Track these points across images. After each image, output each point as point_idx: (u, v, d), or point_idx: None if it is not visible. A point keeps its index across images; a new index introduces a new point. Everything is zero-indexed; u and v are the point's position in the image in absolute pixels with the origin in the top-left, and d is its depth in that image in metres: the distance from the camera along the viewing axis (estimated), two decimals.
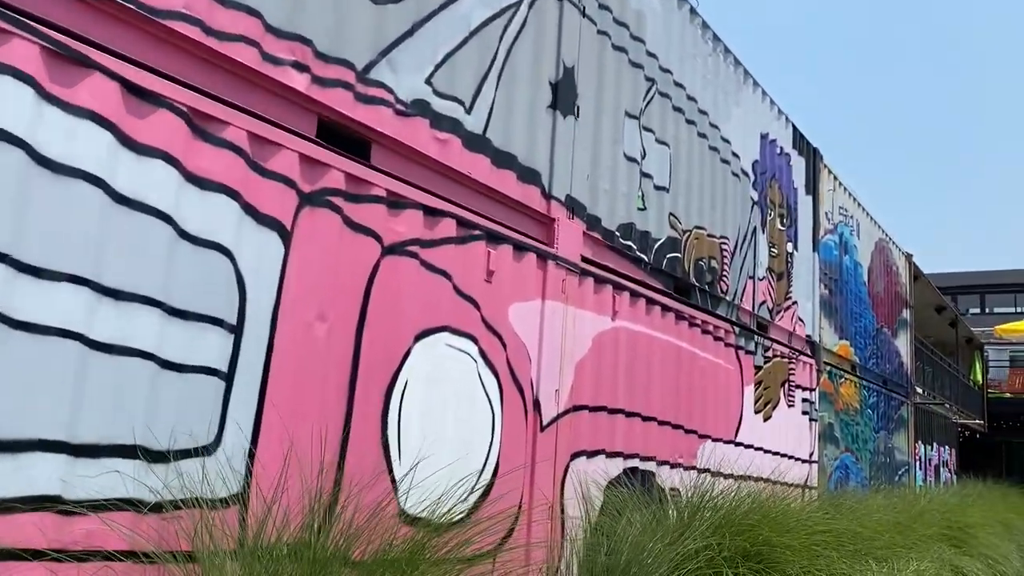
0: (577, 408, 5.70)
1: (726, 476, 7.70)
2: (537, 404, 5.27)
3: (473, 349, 4.70)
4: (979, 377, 27.94)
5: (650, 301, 6.72)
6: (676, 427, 7.03)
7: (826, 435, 10.73)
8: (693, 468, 7.25)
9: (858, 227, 12.81)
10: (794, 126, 10.13)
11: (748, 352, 8.52)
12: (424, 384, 4.32)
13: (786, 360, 9.52)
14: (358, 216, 3.98)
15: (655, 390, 6.71)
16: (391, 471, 4.09)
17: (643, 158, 6.74)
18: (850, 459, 11.66)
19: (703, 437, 7.48)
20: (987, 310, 50.43)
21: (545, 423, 5.33)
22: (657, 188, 6.96)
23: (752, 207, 8.82)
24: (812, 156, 10.81)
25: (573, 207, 5.74)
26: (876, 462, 13.00)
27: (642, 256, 6.66)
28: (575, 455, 5.66)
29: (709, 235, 7.85)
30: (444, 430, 4.44)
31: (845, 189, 12.20)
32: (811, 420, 10.20)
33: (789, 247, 9.80)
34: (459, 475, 4.40)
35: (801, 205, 10.34)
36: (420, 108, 4.40)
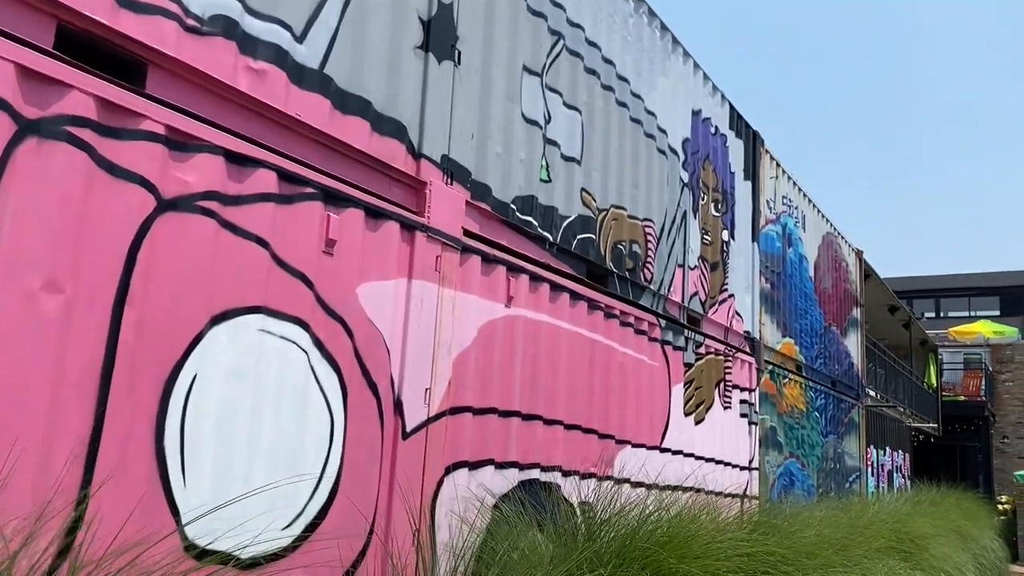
0: (457, 410, 4.78)
1: (649, 487, 6.85)
2: (399, 406, 4.34)
3: (302, 337, 3.75)
4: (933, 380, 27.58)
5: (556, 287, 5.84)
6: (588, 432, 6.14)
7: (768, 440, 9.94)
8: (609, 478, 6.37)
9: (803, 219, 12.09)
10: (731, 105, 9.35)
11: (677, 348, 7.68)
12: (226, 379, 3.37)
13: (721, 358, 8.70)
14: (120, 157, 3.02)
15: (561, 389, 5.82)
16: (169, 492, 3.12)
17: (548, 122, 5.85)
18: (795, 465, 10.89)
19: (622, 443, 6.61)
20: (942, 314, 50.64)
21: (410, 429, 4.40)
22: (566, 159, 6.08)
23: (682, 189, 7.99)
24: (752, 140, 10.04)
25: (453, 171, 4.83)
26: (824, 468, 12.26)
27: (546, 235, 5.77)
28: (453, 467, 4.74)
29: (631, 216, 6.99)
30: (257, 438, 3.49)
31: (789, 178, 11.47)
32: (751, 423, 9.39)
33: (725, 235, 8.99)
34: (280, 496, 3.46)
35: (739, 191, 9.56)
36: (223, 27, 3.46)
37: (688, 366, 7.90)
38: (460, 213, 4.85)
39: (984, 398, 28.27)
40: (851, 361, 14.47)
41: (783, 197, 11.21)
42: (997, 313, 47.26)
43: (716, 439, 8.42)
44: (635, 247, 7.02)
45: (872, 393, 16.82)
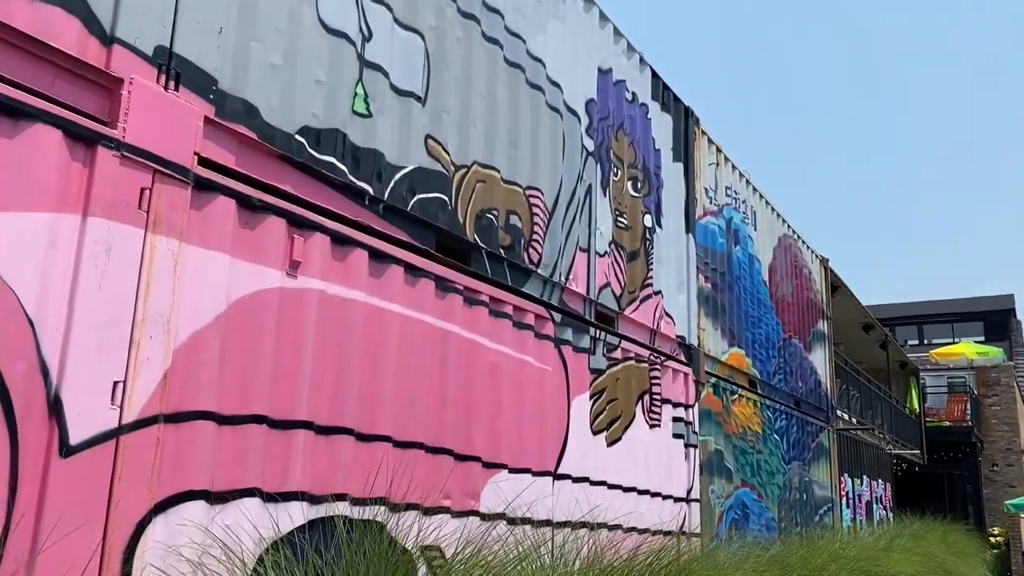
0: (184, 416, 3.27)
1: (538, 524, 5.33)
2: (56, 406, 2.83)
3: None
4: (915, 405, 26.12)
5: (381, 256, 4.37)
6: (435, 452, 4.64)
7: (712, 465, 8.42)
8: (472, 514, 4.84)
9: (754, 216, 10.70)
10: (654, 72, 7.98)
11: (579, 350, 6.20)
12: None
13: (646, 366, 7.22)
14: None
15: (389, 394, 4.32)
16: None
17: (367, 39, 4.43)
18: (750, 496, 9.36)
19: (492, 467, 5.09)
20: (925, 340, 49.38)
21: (78, 441, 2.89)
22: (399, 92, 4.65)
23: (585, 157, 6.57)
24: (684, 116, 8.67)
25: (179, 72, 3.38)
26: (788, 499, 10.73)
27: (363, 186, 4.32)
28: (175, 499, 3.21)
29: (507, 181, 5.56)
30: None
31: (735, 168, 10.10)
32: (688, 446, 7.88)
33: (648, 220, 7.56)
34: None
35: (668, 173, 8.16)
36: None
37: (597, 373, 6.41)
38: (192, 133, 3.39)
39: (970, 423, 26.82)
40: (818, 379, 13.01)
41: (727, 188, 9.84)
42: (982, 339, 46.10)
43: (639, 464, 6.90)
44: (514, 219, 5.57)
45: (845, 416, 15.35)
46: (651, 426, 7.24)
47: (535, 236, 5.79)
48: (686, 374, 8.04)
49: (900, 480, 21.90)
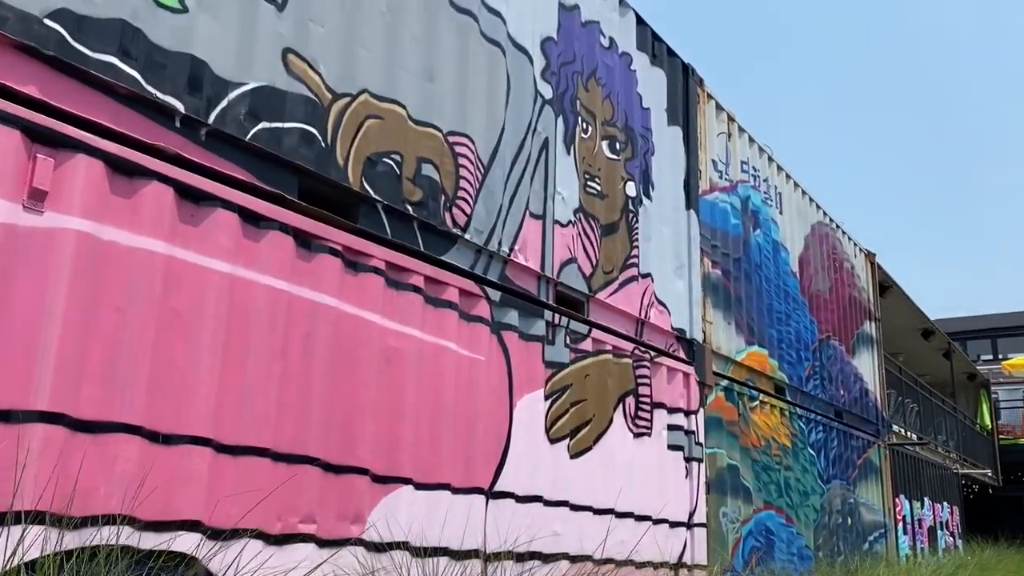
0: None
1: (460, 554, 4.15)
2: None
3: None
4: (987, 420, 23.99)
5: (196, 196, 3.26)
6: (291, 460, 3.48)
7: (724, 483, 7.09)
8: (353, 542, 3.67)
9: (779, 198, 9.36)
10: (639, 17, 6.78)
11: (529, 337, 5.00)
12: None
13: (628, 361, 5.97)
14: None
15: (207, 379, 3.19)
16: None
17: None
18: (775, 520, 7.96)
19: (387, 482, 3.92)
20: (1000, 355, 46.46)
21: None
22: None
23: (539, 106, 5.40)
24: (682, 74, 7.44)
25: None
26: (827, 524, 9.26)
27: (172, 102, 3.22)
28: None
29: (419, 122, 4.41)
30: None
31: (752, 140, 8.80)
32: (689, 459, 6.57)
33: (631, 189, 6.34)
34: None
35: (661, 137, 6.92)
36: None
37: (556, 367, 5.20)
38: None
39: None
40: (864, 387, 11.49)
41: (743, 163, 8.54)
42: None
43: (618, 480, 5.64)
44: (429, 170, 4.42)
45: (901, 430, 13.72)
46: (637, 434, 5.97)
47: (462, 194, 4.63)
48: (687, 374, 6.75)
49: (971, 503, 19.94)
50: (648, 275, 6.43)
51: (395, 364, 4.04)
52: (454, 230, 4.53)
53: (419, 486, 4.07)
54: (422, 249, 4.34)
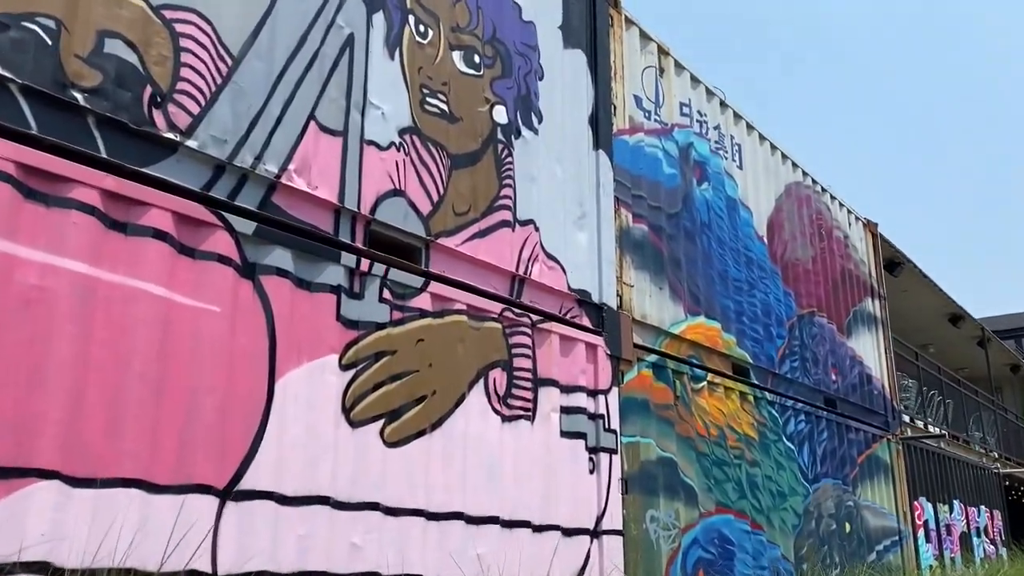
0: None
1: None
2: None
3: None
4: None
5: None
6: None
7: (653, 481, 5.73)
8: None
9: (738, 151, 8.00)
10: None
11: (313, 287, 3.75)
12: None
13: (498, 326, 4.69)
14: None
15: None
16: None
17: None
18: (736, 526, 6.55)
19: (7, 476, 2.68)
20: None
21: None
22: None
23: None
24: None
25: None
26: (814, 531, 7.80)
27: None
28: None
29: None
30: None
31: (695, 79, 7.48)
32: (595, 450, 5.24)
33: (500, 115, 5.08)
34: None
35: (553, 61, 5.66)
36: None
37: (364, 328, 3.94)
38: None
39: None
40: (865, 372, 9.97)
41: (683, 104, 7.22)
42: None
43: (475, 475, 4.35)
44: (119, 48, 3.22)
45: (918, 422, 12.11)
46: (509, 418, 4.67)
47: (185, 87, 3.42)
48: (592, 345, 5.43)
49: (1016, 508, 18.02)
50: (530, 222, 5.15)
51: (38, 311, 2.83)
52: (167, 134, 3.31)
53: (75, 481, 2.83)
54: (104, 155, 3.13)
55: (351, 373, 3.86)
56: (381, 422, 3.94)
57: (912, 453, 10.98)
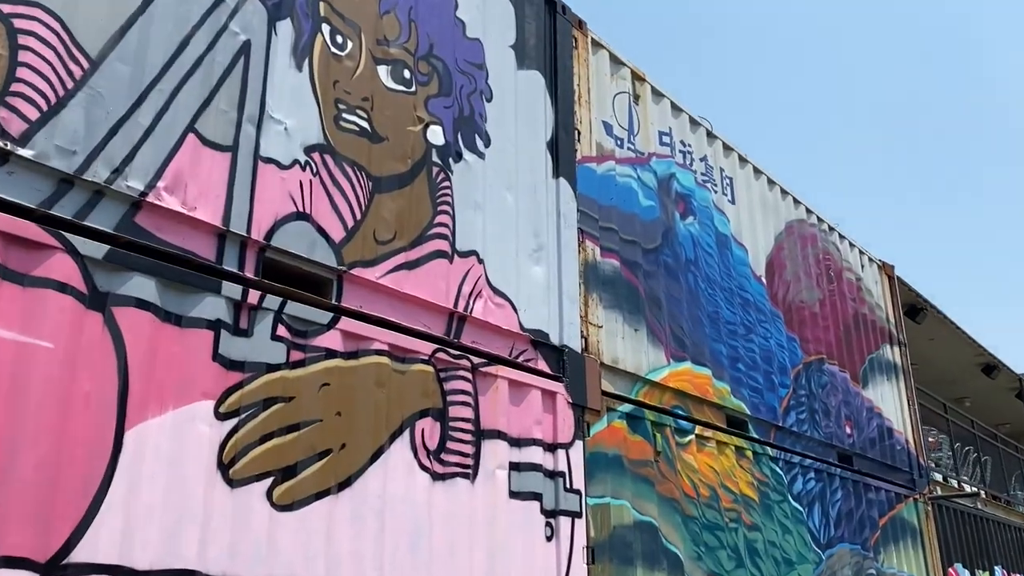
0: None
1: None
2: None
3: None
4: None
5: None
6: None
7: (626, 548, 5.03)
8: None
9: (729, 185, 7.43)
10: None
11: (184, 322, 3.22)
12: None
13: (430, 369, 4.10)
14: None
15: None
16: None
17: None
18: None
19: None
20: None
21: None
22: None
23: None
24: (548, 9, 5.73)
25: None
26: None
27: None
28: None
29: None
30: None
31: (677, 108, 6.97)
32: (553, 514, 4.58)
33: (436, 136, 4.58)
34: None
35: (505, 81, 5.20)
36: None
37: (252, 370, 3.38)
38: None
39: None
40: (885, 425, 9.17)
41: (662, 133, 6.70)
42: None
43: (394, 543, 3.72)
44: None
45: (950, 481, 11.18)
46: (441, 475, 4.05)
47: (22, 89, 2.95)
48: (551, 393, 4.82)
49: None
50: (473, 254, 4.60)
51: None
52: None
53: None
54: None
55: (231, 423, 3.28)
56: (269, 481, 3.35)
57: (945, 514, 10.08)
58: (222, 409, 3.27)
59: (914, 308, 11.53)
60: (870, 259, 10.13)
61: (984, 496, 12.06)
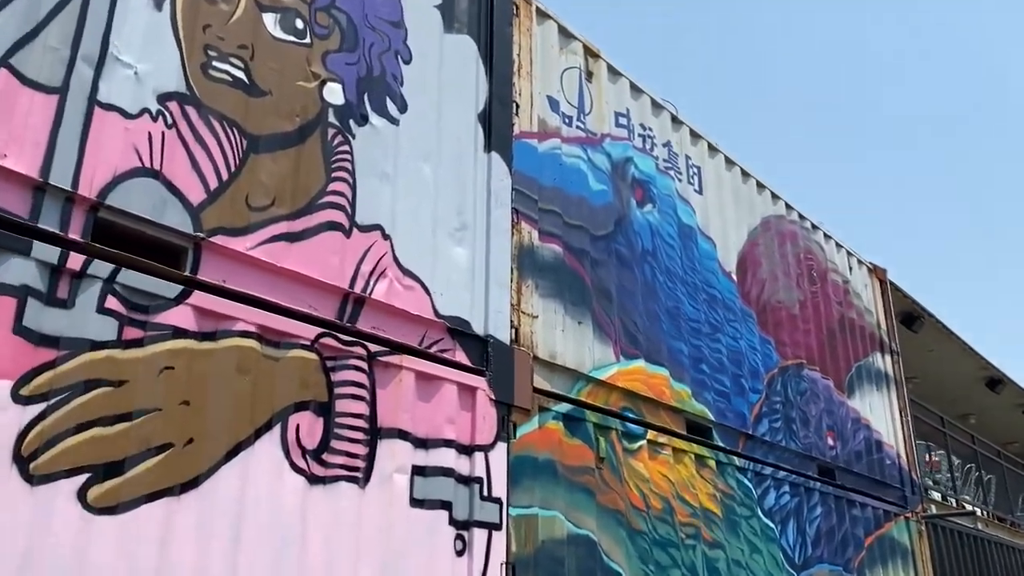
0: None
1: None
2: None
3: None
4: None
5: None
6: None
7: (555, 565, 4.44)
8: None
9: (696, 174, 6.89)
10: None
11: None
12: None
13: (314, 356, 3.56)
14: None
15: None
16: None
17: None
18: None
19: None
20: None
21: None
22: None
23: None
24: None
25: None
26: None
27: None
28: None
29: None
30: None
31: (637, 88, 6.44)
32: (465, 525, 4.01)
33: (334, 95, 4.06)
34: None
35: (429, 45, 4.68)
36: None
37: (63, 347, 2.84)
38: None
39: None
40: (873, 437, 8.55)
41: (618, 114, 6.17)
42: None
43: (256, 555, 3.15)
44: None
45: (946, 498, 10.51)
46: (321, 479, 3.49)
47: None
48: (469, 388, 4.25)
49: None
50: (377, 228, 4.06)
51: None
52: None
53: None
54: None
55: (37, 408, 2.74)
56: (83, 478, 2.80)
57: (941, 535, 9.41)
58: (25, 391, 2.72)
59: (910, 316, 10.91)
60: (859, 261, 9.54)
61: (986, 517, 11.36)
